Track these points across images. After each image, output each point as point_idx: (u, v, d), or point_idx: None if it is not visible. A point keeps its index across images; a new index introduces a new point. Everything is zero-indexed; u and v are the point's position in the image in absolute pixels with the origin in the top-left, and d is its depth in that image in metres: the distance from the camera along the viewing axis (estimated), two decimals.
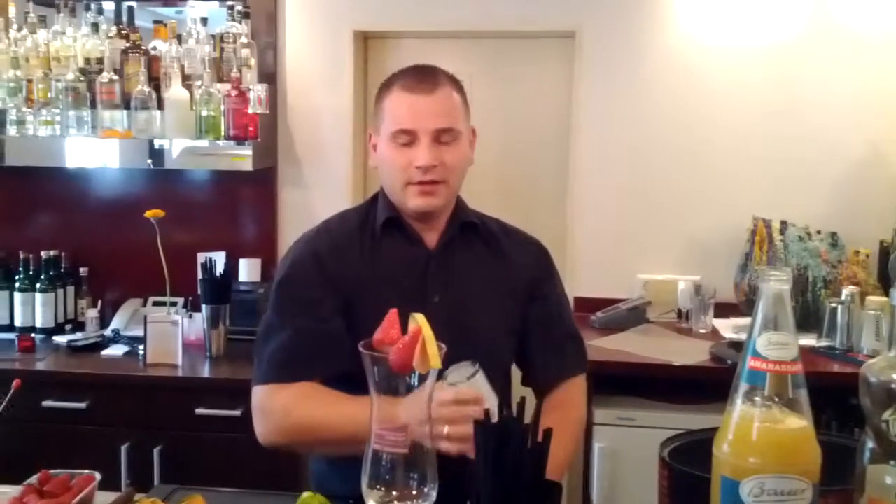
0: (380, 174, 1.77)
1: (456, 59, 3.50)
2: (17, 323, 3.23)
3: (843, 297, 2.89)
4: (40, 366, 2.93)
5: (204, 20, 3.16)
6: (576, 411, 1.84)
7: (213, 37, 3.16)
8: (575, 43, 3.33)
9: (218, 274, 3.06)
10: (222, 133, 3.08)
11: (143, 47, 3.16)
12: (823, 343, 2.88)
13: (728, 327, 3.10)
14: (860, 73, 3.21)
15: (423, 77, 1.71)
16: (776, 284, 1.01)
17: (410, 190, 1.68)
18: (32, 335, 3.14)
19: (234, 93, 3.04)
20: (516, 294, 1.79)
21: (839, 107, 3.23)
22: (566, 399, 1.81)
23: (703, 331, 3.11)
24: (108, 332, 3.20)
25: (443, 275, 1.73)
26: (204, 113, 3.06)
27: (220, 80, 3.11)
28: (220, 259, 3.18)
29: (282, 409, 1.64)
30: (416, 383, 1.09)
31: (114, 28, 3.20)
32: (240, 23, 3.17)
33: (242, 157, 3.12)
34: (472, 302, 1.72)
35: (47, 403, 2.76)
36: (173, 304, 3.10)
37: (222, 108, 3.06)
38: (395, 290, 1.65)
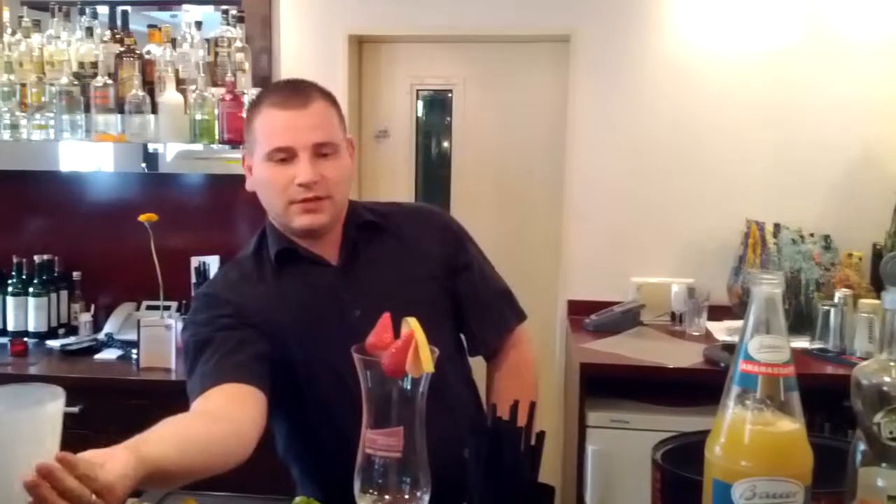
0: (260, 198, 1.69)
1: (451, 63, 3.51)
2: (10, 327, 3.22)
3: (836, 300, 2.90)
4: (33, 370, 2.93)
5: (198, 24, 3.16)
6: (528, 373, 1.84)
7: (208, 41, 3.16)
8: (570, 47, 3.34)
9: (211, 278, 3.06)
10: (216, 137, 3.07)
11: (138, 51, 3.15)
12: (816, 345, 2.89)
13: (721, 330, 3.10)
14: (854, 78, 3.22)
15: (294, 92, 1.63)
16: (768, 288, 1.01)
17: (294, 209, 1.61)
18: (25, 339, 3.13)
19: (228, 97, 3.04)
20: (439, 276, 1.75)
21: (833, 111, 3.24)
22: (516, 361, 1.82)
23: (696, 333, 3.12)
24: (101, 336, 3.19)
25: (356, 286, 1.66)
26: (198, 117, 3.06)
27: (215, 84, 3.11)
28: (213, 263, 3.17)
29: None
30: (408, 387, 1.09)
31: (108, 32, 3.20)
32: (234, 27, 3.17)
33: (236, 161, 3.11)
34: (396, 303, 1.55)
35: None
36: (167, 308, 3.09)
37: (216, 112, 3.05)
38: (313, 319, 1.62)
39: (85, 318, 3.27)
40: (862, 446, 1.06)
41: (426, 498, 1.11)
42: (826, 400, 2.22)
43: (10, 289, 3.23)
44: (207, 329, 1.61)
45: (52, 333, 3.23)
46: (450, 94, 3.54)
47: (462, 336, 1.82)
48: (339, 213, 1.68)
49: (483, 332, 1.81)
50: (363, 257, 1.70)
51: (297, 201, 1.60)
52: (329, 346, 1.57)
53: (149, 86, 3.12)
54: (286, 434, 1.74)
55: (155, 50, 3.17)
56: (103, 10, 3.27)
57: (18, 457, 1.00)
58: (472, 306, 1.79)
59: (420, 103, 3.57)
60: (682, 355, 2.84)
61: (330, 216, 1.64)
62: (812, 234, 3.14)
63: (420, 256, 1.74)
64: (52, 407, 1.03)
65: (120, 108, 3.11)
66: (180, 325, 2.99)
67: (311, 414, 1.66)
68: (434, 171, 3.59)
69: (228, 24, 3.17)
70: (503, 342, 1.83)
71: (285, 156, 1.59)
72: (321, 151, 1.60)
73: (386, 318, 1.13)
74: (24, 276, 3.24)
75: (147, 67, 3.14)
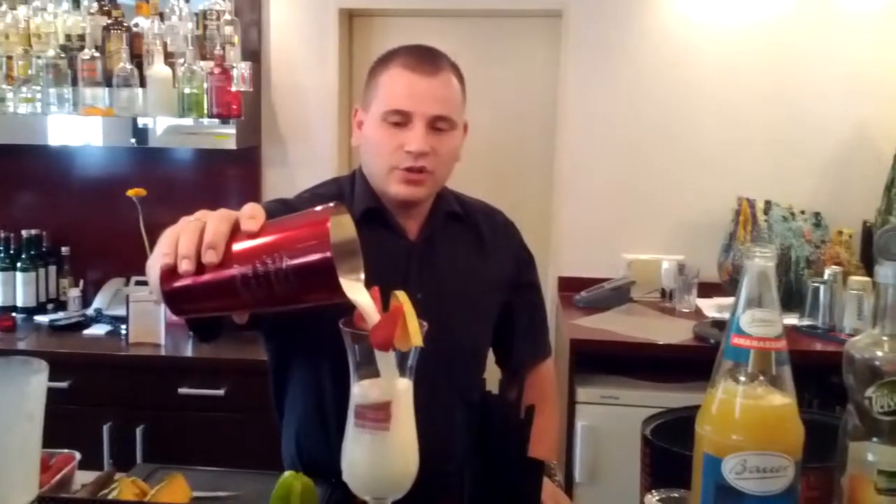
0: (362, 154, 1.64)
1: (442, 37, 3.47)
2: None
3: (825, 277, 2.91)
4: (21, 345, 2.91)
5: None
6: (555, 396, 1.89)
7: (196, 14, 3.13)
8: (562, 22, 3.32)
9: None
10: (205, 111, 3.05)
11: (125, 24, 3.12)
12: (806, 322, 2.90)
13: (711, 307, 3.11)
14: (847, 55, 3.21)
15: (427, 58, 1.59)
16: (761, 261, 1.00)
17: (395, 175, 1.56)
18: (13, 314, 3.12)
19: (217, 70, 3.01)
20: (501, 285, 1.74)
21: (826, 89, 3.23)
22: (545, 385, 1.86)
23: (686, 310, 3.12)
24: (90, 312, 3.18)
25: (425, 269, 1.62)
26: (186, 91, 3.03)
27: (203, 58, 3.08)
28: None
29: None
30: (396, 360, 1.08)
31: (95, 4, 3.16)
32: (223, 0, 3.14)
33: (226, 136, 3.10)
34: (455, 299, 1.62)
35: None
36: None
37: (205, 85, 3.03)
38: (372, 284, 1.58)
39: (73, 293, 3.26)
40: (852, 421, 1.06)
41: (414, 471, 1.10)
42: (815, 376, 2.24)
43: None
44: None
45: (40, 309, 3.22)
46: None
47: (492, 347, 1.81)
48: (436, 191, 1.65)
49: (524, 351, 1.81)
50: (440, 243, 1.67)
51: (401, 168, 1.55)
52: None
53: (137, 59, 3.09)
54: (292, 388, 1.67)
55: (143, 22, 3.13)
56: None
57: (1, 431, 0.99)
58: (523, 325, 1.79)
59: None
60: (672, 332, 2.85)
61: (428, 192, 1.61)
62: (803, 212, 3.14)
63: (493, 264, 1.72)
64: (36, 380, 1.01)
65: (108, 81, 3.08)
66: None
67: (321, 376, 1.59)
68: None
69: None
70: (535, 367, 1.84)
71: (400, 119, 1.54)
72: (437, 125, 1.55)
73: (374, 292, 1.12)
74: (11, 251, 3.23)
75: (135, 40, 3.11)
